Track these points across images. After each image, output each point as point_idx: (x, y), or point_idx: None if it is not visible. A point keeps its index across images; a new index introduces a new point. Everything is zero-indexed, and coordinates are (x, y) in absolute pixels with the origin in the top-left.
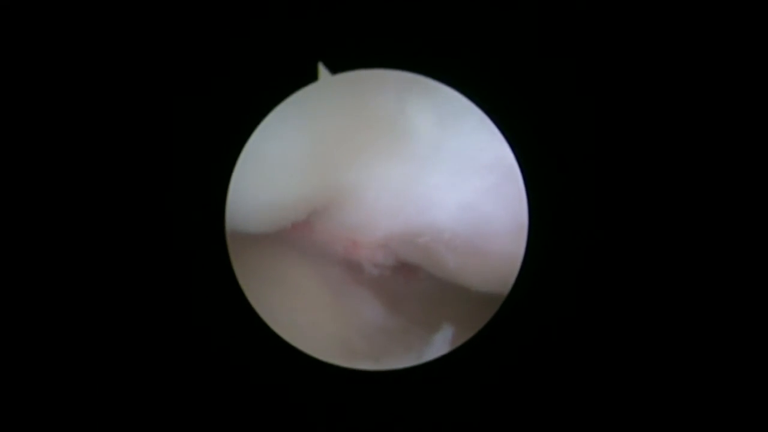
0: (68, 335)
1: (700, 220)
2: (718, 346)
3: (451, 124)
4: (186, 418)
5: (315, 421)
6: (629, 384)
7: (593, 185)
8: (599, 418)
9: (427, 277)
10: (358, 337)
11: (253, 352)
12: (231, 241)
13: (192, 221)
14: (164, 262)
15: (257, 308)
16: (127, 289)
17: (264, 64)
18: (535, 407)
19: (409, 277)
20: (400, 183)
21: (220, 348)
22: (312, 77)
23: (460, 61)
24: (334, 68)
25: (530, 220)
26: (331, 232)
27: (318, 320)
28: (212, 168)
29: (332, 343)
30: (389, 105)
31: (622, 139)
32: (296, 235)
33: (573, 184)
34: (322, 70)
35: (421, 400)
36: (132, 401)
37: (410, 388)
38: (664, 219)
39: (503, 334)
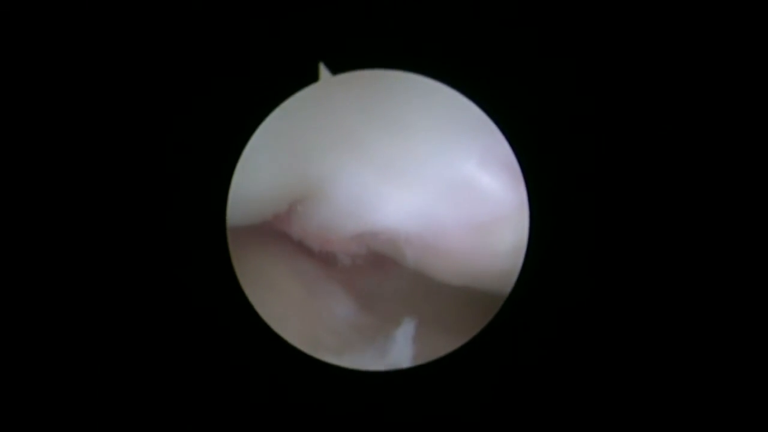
0: (68, 329)
1: (700, 218)
2: (721, 343)
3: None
4: (184, 412)
5: (321, 423)
6: (625, 386)
7: (593, 185)
8: (596, 418)
9: (396, 270)
10: (327, 333)
11: (253, 348)
12: (230, 236)
13: (194, 218)
14: (166, 260)
15: (252, 301)
16: (128, 285)
17: (266, 64)
18: (533, 408)
19: (380, 270)
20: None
21: (221, 345)
22: (313, 77)
23: (461, 61)
24: (335, 69)
25: (531, 219)
26: (306, 227)
27: (292, 313)
28: (215, 167)
29: (302, 336)
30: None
31: (622, 137)
32: (277, 227)
33: (573, 183)
34: (323, 71)
35: (423, 400)
36: (129, 388)
37: (412, 388)
38: (663, 220)
39: (503, 336)
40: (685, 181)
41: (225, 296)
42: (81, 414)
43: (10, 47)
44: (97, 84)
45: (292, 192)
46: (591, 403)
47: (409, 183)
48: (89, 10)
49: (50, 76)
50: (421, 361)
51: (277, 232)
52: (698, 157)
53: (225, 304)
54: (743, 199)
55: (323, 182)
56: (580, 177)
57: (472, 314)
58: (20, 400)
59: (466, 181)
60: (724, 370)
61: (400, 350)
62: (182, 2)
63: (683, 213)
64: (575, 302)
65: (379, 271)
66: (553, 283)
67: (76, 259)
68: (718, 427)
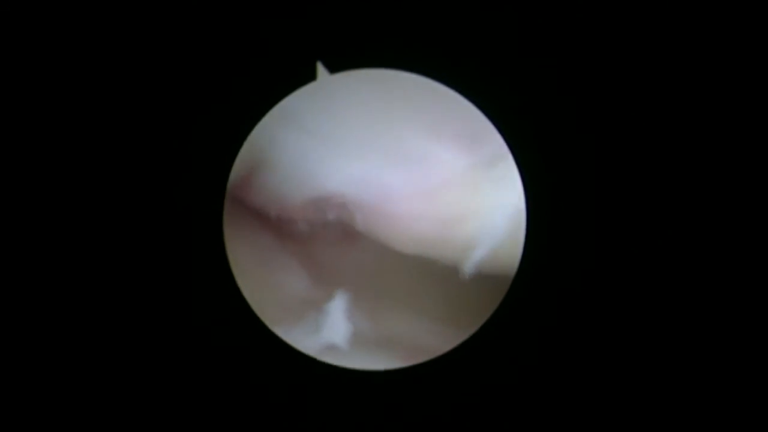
0: (62, 324)
1: (698, 204)
2: (727, 319)
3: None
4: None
5: (317, 423)
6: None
7: (592, 183)
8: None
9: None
10: (277, 307)
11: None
12: (226, 237)
13: (192, 216)
14: (160, 256)
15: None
16: (124, 286)
17: (263, 63)
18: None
19: (333, 241)
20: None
21: (218, 342)
22: (311, 77)
23: (462, 60)
24: (333, 68)
25: (529, 215)
26: (264, 196)
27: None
28: (211, 166)
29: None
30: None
31: (623, 136)
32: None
33: (571, 181)
34: (321, 70)
35: (423, 399)
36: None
37: (414, 388)
38: (663, 221)
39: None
40: (682, 167)
41: (224, 298)
42: (74, 412)
43: (10, 44)
44: (93, 83)
45: (245, 163)
46: (597, 393)
47: (354, 150)
48: (89, 9)
49: (47, 74)
50: (361, 339)
51: (239, 203)
52: (694, 148)
53: (223, 306)
54: (743, 202)
55: (269, 152)
56: (577, 169)
57: (429, 289)
58: (18, 402)
59: (413, 148)
60: (733, 347)
61: (333, 326)
62: (179, 1)
63: (683, 199)
64: (576, 292)
65: (332, 242)
66: (554, 270)
67: (72, 256)
68: (718, 426)
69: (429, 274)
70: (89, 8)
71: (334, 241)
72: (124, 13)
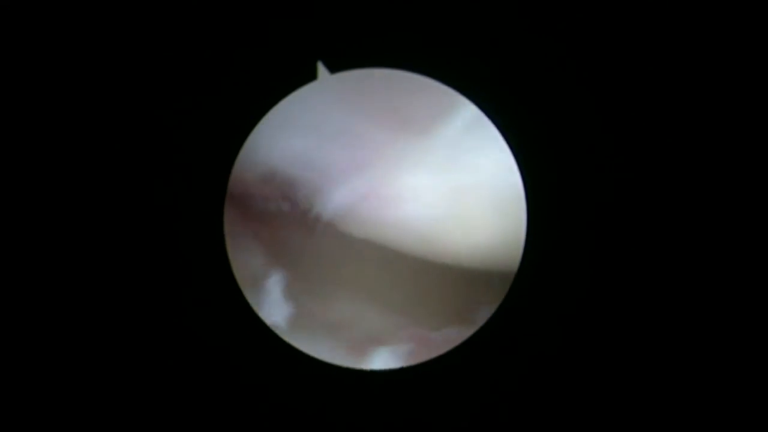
0: (63, 320)
1: (701, 207)
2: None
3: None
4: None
5: (310, 420)
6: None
7: (592, 181)
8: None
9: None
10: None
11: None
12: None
13: (191, 216)
14: (161, 260)
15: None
16: (121, 287)
17: (263, 63)
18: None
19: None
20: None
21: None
22: (311, 76)
23: (461, 60)
24: (334, 68)
25: (529, 213)
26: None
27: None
28: (211, 167)
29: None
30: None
31: (623, 135)
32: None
33: (572, 180)
34: (321, 70)
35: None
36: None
37: (417, 388)
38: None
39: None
40: (683, 161)
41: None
42: (68, 410)
43: (10, 44)
44: (91, 82)
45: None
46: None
47: (291, 127)
48: (88, 9)
49: (47, 74)
50: (302, 321)
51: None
52: (696, 140)
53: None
54: (747, 207)
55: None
56: (578, 168)
57: (373, 272)
58: (15, 400)
59: (347, 125)
60: (733, 342)
61: (273, 305)
62: (179, 0)
63: (685, 193)
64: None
65: (277, 219)
66: (554, 267)
67: (68, 254)
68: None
69: (373, 257)
70: (88, 7)
71: (279, 219)
72: (122, 11)
